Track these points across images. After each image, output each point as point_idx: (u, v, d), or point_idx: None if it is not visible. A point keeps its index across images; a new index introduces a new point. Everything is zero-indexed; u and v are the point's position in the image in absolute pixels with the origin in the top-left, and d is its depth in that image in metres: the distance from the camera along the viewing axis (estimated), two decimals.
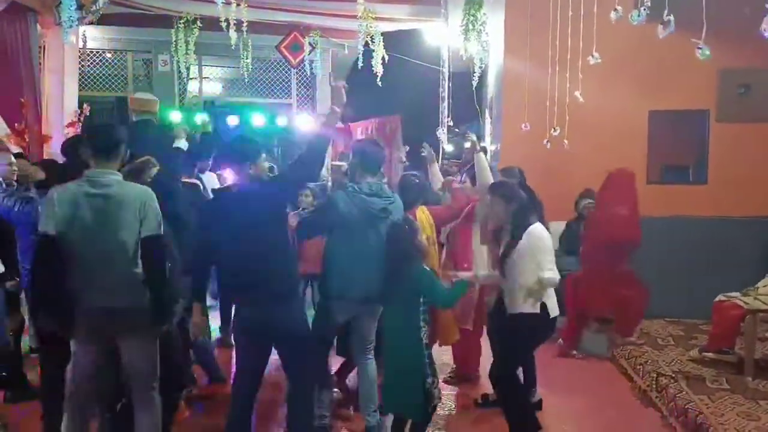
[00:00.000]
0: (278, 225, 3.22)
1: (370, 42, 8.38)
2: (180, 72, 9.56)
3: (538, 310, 3.40)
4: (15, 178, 4.21)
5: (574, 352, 5.35)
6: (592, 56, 4.37)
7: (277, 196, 3.22)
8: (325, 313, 3.66)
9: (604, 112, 6.21)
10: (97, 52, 10.39)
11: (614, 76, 6.11)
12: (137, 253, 2.82)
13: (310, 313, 3.72)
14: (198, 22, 8.71)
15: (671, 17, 3.11)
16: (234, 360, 3.42)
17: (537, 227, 3.42)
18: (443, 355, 4.78)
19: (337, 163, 5.32)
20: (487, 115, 8.18)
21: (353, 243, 3.49)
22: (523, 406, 3.64)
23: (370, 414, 3.65)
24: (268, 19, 8.54)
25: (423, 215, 4.08)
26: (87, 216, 2.75)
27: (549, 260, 3.37)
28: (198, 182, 4.86)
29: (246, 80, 10.11)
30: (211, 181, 5.99)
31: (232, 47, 8.39)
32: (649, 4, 3.32)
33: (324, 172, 5.60)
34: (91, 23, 7.86)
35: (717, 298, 4.76)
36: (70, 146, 4.07)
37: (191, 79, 10.71)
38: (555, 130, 5.61)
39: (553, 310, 3.46)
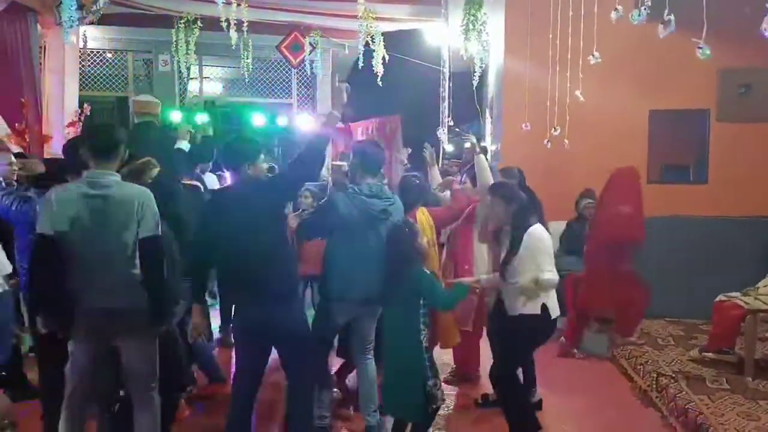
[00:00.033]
0: (277, 224, 3.21)
1: (370, 42, 8.38)
2: (180, 72, 9.57)
3: (538, 312, 3.40)
4: (15, 177, 4.21)
5: (575, 351, 5.35)
6: (593, 56, 4.36)
7: (275, 195, 3.20)
8: (325, 315, 3.66)
9: (605, 112, 6.21)
10: (98, 52, 10.40)
11: (614, 76, 6.11)
12: (135, 253, 2.82)
13: (310, 314, 3.72)
14: (198, 22, 8.72)
15: (671, 17, 3.11)
16: (234, 360, 3.42)
17: (537, 228, 3.42)
18: (444, 356, 4.77)
19: (338, 162, 5.31)
20: (487, 114, 8.18)
21: (353, 244, 3.49)
22: (523, 406, 3.64)
23: (370, 414, 3.66)
24: (268, 19, 8.55)
25: (423, 217, 4.07)
26: (85, 217, 2.75)
27: (548, 261, 3.37)
28: (199, 184, 4.86)
29: (246, 80, 10.13)
30: (211, 182, 5.99)
31: (233, 47, 8.40)
32: (649, 3, 3.31)
33: (324, 171, 5.59)
34: (92, 23, 7.87)
35: (717, 298, 4.75)
36: (70, 147, 4.07)
37: (192, 79, 10.73)
38: (555, 130, 5.61)
39: (554, 310, 3.46)
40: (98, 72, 10.49)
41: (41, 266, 2.71)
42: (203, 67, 11.01)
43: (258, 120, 9.97)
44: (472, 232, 4.38)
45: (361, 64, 8.51)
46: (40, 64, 7.22)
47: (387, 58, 8.60)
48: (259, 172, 3.27)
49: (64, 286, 2.76)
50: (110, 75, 10.60)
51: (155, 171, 3.40)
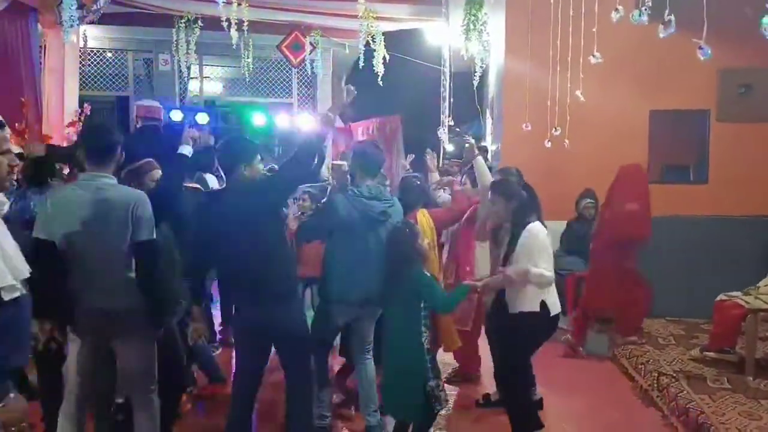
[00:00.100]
0: (274, 224, 3.19)
1: (371, 42, 8.38)
2: (181, 71, 9.57)
3: (537, 309, 3.40)
4: (15, 177, 4.20)
5: (581, 348, 5.35)
6: (593, 56, 4.36)
7: (271, 195, 3.16)
8: (324, 316, 3.67)
9: (605, 112, 6.21)
10: (98, 52, 10.40)
11: (615, 76, 6.10)
12: (131, 256, 2.81)
13: (309, 316, 3.72)
14: (199, 22, 8.73)
15: (672, 17, 3.11)
16: (234, 360, 3.42)
17: (535, 226, 3.43)
18: (445, 356, 4.77)
19: (338, 162, 5.31)
20: (488, 114, 8.17)
21: (353, 246, 3.50)
22: (524, 406, 3.63)
23: (370, 414, 3.66)
24: (269, 18, 8.55)
25: (423, 218, 4.07)
26: (79, 219, 2.73)
27: (545, 258, 3.38)
28: (200, 186, 4.85)
29: (247, 80, 10.12)
30: (213, 183, 5.98)
31: (233, 47, 8.40)
32: (650, 3, 3.31)
33: (324, 171, 5.59)
34: (92, 22, 7.87)
35: (718, 298, 4.75)
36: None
37: (192, 78, 10.73)
38: (556, 130, 5.61)
39: (554, 307, 3.46)
40: (98, 71, 10.49)
41: (38, 271, 2.70)
42: (203, 66, 11.01)
43: (258, 120, 9.95)
44: (473, 233, 4.38)
45: (361, 63, 8.51)
46: (41, 63, 7.22)
47: (387, 57, 8.60)
48: (255, 173, 3.23)
49: (61, 290, 2.75)
50: (110, 74, 10.60)
51: (157, 173, 3.39)
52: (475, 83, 7.75)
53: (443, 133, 8.24)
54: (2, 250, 2.02)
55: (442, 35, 8.32)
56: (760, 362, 4.53)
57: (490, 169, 4.35)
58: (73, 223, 2.73)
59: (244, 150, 3.23)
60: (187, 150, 3.36)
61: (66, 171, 4.72)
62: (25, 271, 2.13)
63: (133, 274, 2.82)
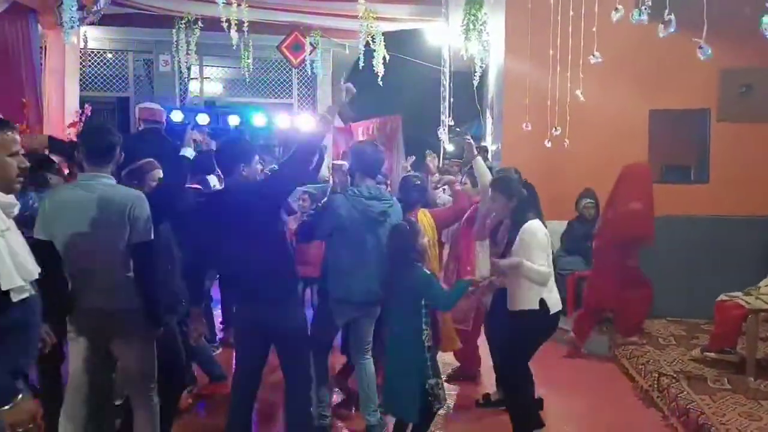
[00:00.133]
0: (273, 223, 3.19)
1: (371, 42, 8.40)
2: (181, 72, 9.59)
3: (536, 307, 3.40)
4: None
5: (583, 349, 5.35)
6: (593, 55, 4.36)
7: (270, 194, 3.16)
8: (324, 316, 3.67)
9: (605, 112, 6.20)
10: (98, 53, 10.41)
11: (615, 76, 6.10)
12: (128, 256, 2.81)
13: (309, 315, 3.72)
14: (199, 23, 8.74)
15: (672, 16, 3.11)
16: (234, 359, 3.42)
17: (533, 223, 3.43)
18: (445, 356, 4.77)
19: (339, 162, 5.32)
20: (487, 114, 8.17)
21: (353, 246, 3.50)
22: (525, 406, 3.63)
23: (370, 413, 3.66)
24: (269, 19, 8.56)
25: (424, 218, 4.07)
26: (78, 220, 2.74)
27: (540, 255, 3.37)
28: (200, 186, 4.85)
29: (247, 80, 10.13)
30: (214, 183, 5.98)
31: (233, 47, 8.41)
32: (649, 3, 3.31)
33: (325, 171, 5.59)
34: (92, 23, 7.88)
35: (719, 298, 4.74)
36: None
37: (192, 79, 10.74)
38: (556, 130, 5.61)
39: (554, 306, 3.46)
40: (99, 72, 10.50)
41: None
42: (204, 67, 11.02)
43: (258, 120, 9.96)
44: (473, 233, 4.38)
45: (361, 64, 8.52)
46: (41, 64, 7.23)
47: (387, 58, 8.61)
48: (253, 173, 3.24)
49: (60, 290, 2.75)
50: (111, 75, 10.62)
51: (158, 172, 3.39)
52: (475, 83, 7.75)
53: (443, 133, 8.24)
54: (12, 251, 2.02)
55: (442, 35, 8.34)
56: (761, 363, 4.52)
57: (490, 169, 4.35)
58: (71, 224, 2.74)
59: (242, 151, 3.22)
60: (188, 152, 3.37)
61: (66, 171, 4.73)
62: (35, 272, 2.13)
63: (131, 275, 2.82)
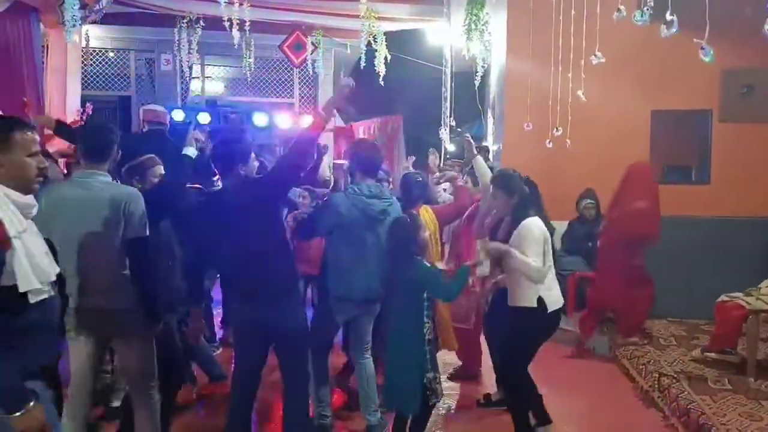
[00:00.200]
0: (271, 222, 3.18)
1: (372, 42, 8.39)
2: (182, 71, 9.60)
3: (534, 305, 3.40)
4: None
5: (588, 347, 5.34)
6: (595, 56, 4.35)
7: (267, 193, 3.15)
8: (324, 314, 3.67)
9: (607, 112, 6.20)
10: (100, 51, 10.41)
11: (617, 76, 6.09)
12: (124, 254, 2.82)
13: (309, 314, 3.72)
14: (201, 22, 8.74)
15: (674, 17, 3.10)
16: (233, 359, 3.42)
17: (531, 220, 3.44)
18: (446, 355, 4.77)
19: (339, 161, 5.33)
20: (489, 114, 8.18)
21: (353, 244, 3.50)
22: (526, 406, 3.63)
23: (370, 413, 3.66)
24: (270, 18, 8.56)
25: (426, 214, 4.08)
26: (74, 217, 2.75)
27: (534, 250, 3.37)
28: (201, 186, 4.85)
29: (248, 80, 10.12)
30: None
31: (235, 46, 8.41)
32: (652, 4, 3.31)
33: (325, 170, 5.60)
34: (94, 22, 7.88)
35: (719, 299, 4.74)
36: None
37: (194, 78, 10.74)
38: (557, 130, 5.60)
39: (553, 304, 3.45)
40: (100, 71, 10.51)
41: None
42: (205, 66, 11.03)
43: (260, 120, 9.96)
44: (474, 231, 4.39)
45: (363, 63, 8.52)
46: (43, 63, 7.23)
47: (389, 57, 8.61)
48: (251, 172, 3.24)
49: (60, 290, 2.75)
50: (112, 74, 10.62)
51: (159, 168, 3.40)
52: (477, 83, 7.75)
53: (444, 133, 8.24)
54: (29, 252, 2.02)
55: (444, 35, 8.33)
56: (762, 363, 4.53)
57: (491, 169, 4.36)
58: (68, 221, 2.75)
59: (240, 149, 3.22)
60: (191, 151, 3.37)
61: (65, 171, 4.74)
62: (52, 273, 2.13)
63: (127, 272, 2.83)
